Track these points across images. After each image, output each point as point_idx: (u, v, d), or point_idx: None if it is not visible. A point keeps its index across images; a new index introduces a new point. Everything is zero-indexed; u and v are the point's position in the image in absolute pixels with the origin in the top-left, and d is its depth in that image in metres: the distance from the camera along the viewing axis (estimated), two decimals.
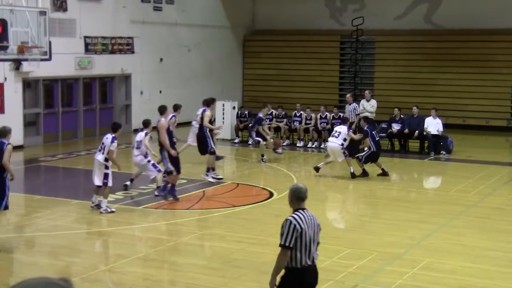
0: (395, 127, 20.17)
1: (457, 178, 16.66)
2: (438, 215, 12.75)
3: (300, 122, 21.32)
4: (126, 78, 24.43)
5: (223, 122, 22.21)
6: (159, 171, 14.24)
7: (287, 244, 6.09)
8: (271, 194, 14.37)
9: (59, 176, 16.39)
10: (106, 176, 12.34)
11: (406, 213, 12.93)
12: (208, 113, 15.62)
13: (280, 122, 21.58)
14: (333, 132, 16.71)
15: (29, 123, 21.06)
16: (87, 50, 22.49)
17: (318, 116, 21.30)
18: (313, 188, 15.39)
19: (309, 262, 6.16)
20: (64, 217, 12.44)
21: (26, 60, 18.88)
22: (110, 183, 12.38)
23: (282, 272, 6.22)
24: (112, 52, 23.47)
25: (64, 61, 21.38)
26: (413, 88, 26.49)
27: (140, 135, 14.22)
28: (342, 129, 16.43)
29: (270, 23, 29.97)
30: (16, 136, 20.20)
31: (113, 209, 12.57)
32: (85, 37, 22.39)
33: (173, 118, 14.43)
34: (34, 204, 13.27)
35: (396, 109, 20.49)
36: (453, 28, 26.58)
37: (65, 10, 21.42)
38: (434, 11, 27.05)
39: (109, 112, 23.90)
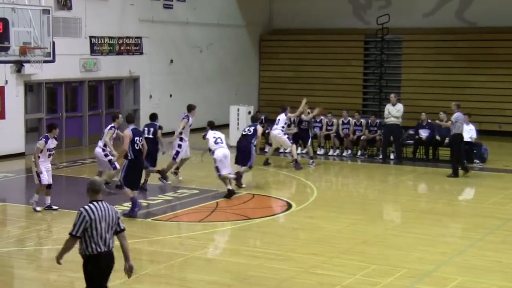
0: (423, 133, 20.05)
1: (492, 189, 16.54)
2: (472, 229, 12.66)
3: (321, 128, 21.27)
4: (134, 81, 24.54)
5: (238, 128, 22.21)
6: (114, 168, 15.04)
7: (74, 233, 7.30)
8: (290, 206, 14.35)
9: (62, 185, 16.46)
10: (37, 174, 13.46)
11: (436, 226, 12.85)
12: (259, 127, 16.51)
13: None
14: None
15: (31, 129, 21.19)
16: (92, 51, 22.63)
17: (340, 122, 21.26)
18: (335, 199, 15.36)
19: (104, 249, 7.33)
20: (68, 229, 12.46)
21: (28, 61, 18.95)
22: (40, 181, 13.38)
23: (82, 261, 7.43)
24: (119, 53, 23.59)
25: (69, 63, 21.52)
26: (443, 91, 26.35)
27: (107, 127, 15.33)
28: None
29: (288, 22, 29.99)
30: (17, 143, 20.36)
31: (38, 209, 13.43)
32: (91, 37, 22.53)
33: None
34: (36, 215, 13.34)
35: (423, 114, 20.37)
36: (488, 25, 26.44)
37: (70, 8, 21.58)
38: (466, 7, 26.92)
39: None
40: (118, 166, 14.98)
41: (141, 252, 11.14)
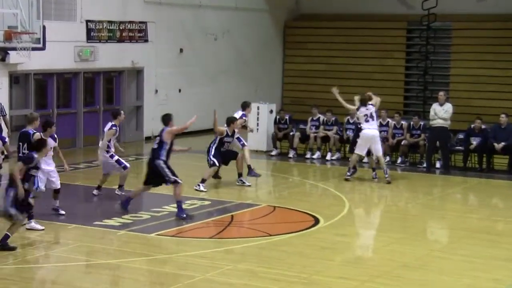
0: (474, 141, 19.88)
1: None
2: None
3: (354, 131, 21.21)
4: (138, 73, 24.64)
5: (258, 129, 22.23)
6: (124, 167, 15.48)
7: None
8: (317, 221, 14.33)
9: (51, 194, 16.54)
10: None
11: (490, 248, 12.78)
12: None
13: (329, 130, 21.52)
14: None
15: (17, 128, 21.29)
16: (89, 37, 22.74)
17: (378, 123, 21.16)
18: (370, 214, 15.32)
19: None
20: (58, 245, 12.55)
21: (14, 49, 19.15)
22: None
23: None
24: (121, 40, 23.69)
25: (61, 51, 21.64)
26: (499, 88, 26.22)
27: (107, 126, 15.58)
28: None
29: (318, 6, 29.98)
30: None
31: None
32: (88, 21, 22.64)
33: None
34: (21, 228, 13.39)
35: (478, 121, 20.13)
36: None
37: None
38: None
39: None
40: (128, 165, 15.67)
41: (142, 273, 11.17)
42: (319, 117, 21.86)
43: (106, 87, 23.93)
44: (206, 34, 26.79)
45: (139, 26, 24.27)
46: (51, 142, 13.77)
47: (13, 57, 19.77)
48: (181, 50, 25.86)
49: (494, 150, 19.81)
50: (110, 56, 23.38)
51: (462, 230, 14.19)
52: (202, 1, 26.43)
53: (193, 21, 26.24)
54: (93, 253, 12.11)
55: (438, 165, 20.23)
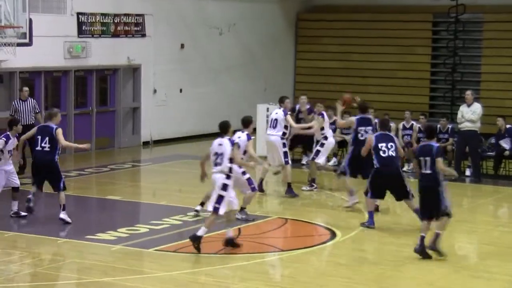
0: (504, 144, 19.83)
1: None
2: None
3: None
4: (134, 71, 24.66)
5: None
6: (253, 189, 14.85)
7: None
8: (333, 235, 14.32)
9: (40, 205, 16.56)
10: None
11: None
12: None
13: (346, 134, 21.48)
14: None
15: (0, 131, 21.34)
16: (81, 32, 22.78)
17: (401, 126, 21.16)
18: (392, 227, 15.28)
19: None
20: (45, 261, 12.55)
21: None
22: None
23: None
24: (115, 35, 23.71)
25: (50, 47, 21.68)
26: None
27: (240, 138, 14.54)
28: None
29: None
30: None
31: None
32: (79, 14, 22.68)
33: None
34: (4, 243, 13.44)
35: (499, 119, 20.10)
36: None
37: None
38: None
39: (110, 117, 24.12)
40: (257, 188, 15.25)
41: None
42: (335, 120, 21.79)
43: (100, 87, 23.95)
44: (210, 27, 26.79)
45: (136, 19, 24.29)
46: (15, 142, 14.62)
47: None
48: (182, 46, 25.87)
49: None
50: (103, 53, 23.40)
51: (494, 245, 14.16)
52: None
53: (196, 13, 26.25)
54: (85, 270, 12.10)
55: (468, 172, 20.18)
